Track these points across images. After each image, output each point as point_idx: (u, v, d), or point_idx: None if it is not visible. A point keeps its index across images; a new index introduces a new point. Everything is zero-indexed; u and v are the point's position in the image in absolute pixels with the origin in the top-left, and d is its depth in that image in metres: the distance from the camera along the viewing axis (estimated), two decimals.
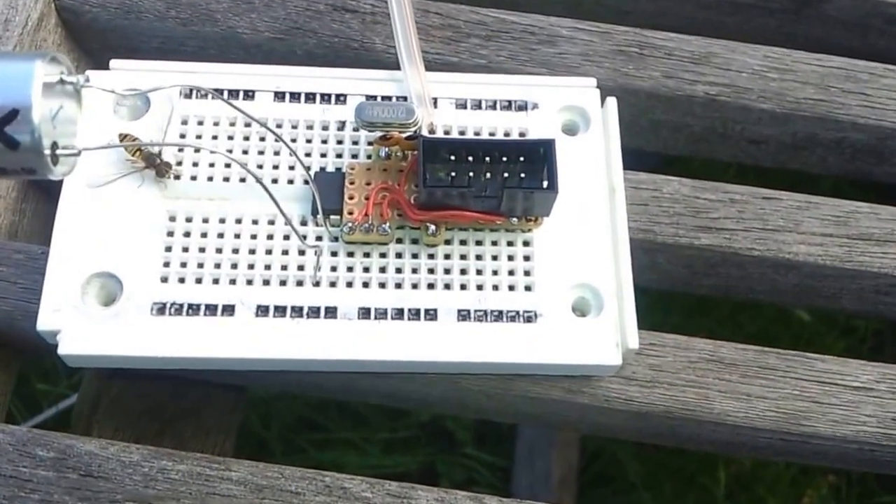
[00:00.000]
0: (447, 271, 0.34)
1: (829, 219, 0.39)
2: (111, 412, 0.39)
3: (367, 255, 0.34)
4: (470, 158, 0.33)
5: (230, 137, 0.35)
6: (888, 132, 0.41)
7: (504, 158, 0.33)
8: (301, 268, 0.34)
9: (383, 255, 0.34)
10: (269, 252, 0.34)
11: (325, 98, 0.36)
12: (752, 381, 0.36)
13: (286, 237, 0.34)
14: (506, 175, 0.33)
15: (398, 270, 0.34)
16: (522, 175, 0.33)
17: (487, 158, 0.33)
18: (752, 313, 0.71)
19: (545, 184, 0.33)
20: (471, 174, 0.33)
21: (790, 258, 0.38)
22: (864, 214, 0.39)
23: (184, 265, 0.33)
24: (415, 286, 0.34)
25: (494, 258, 0.34)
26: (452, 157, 0.33)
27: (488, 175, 0.33)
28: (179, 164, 0.35)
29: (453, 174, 0.33)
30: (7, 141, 0.24)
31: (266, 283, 0.33)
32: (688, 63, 0.41)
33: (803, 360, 0.37)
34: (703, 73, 0.41)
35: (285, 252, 0.34)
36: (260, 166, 0.35)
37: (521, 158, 0.33)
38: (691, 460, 0.70)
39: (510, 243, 0.35)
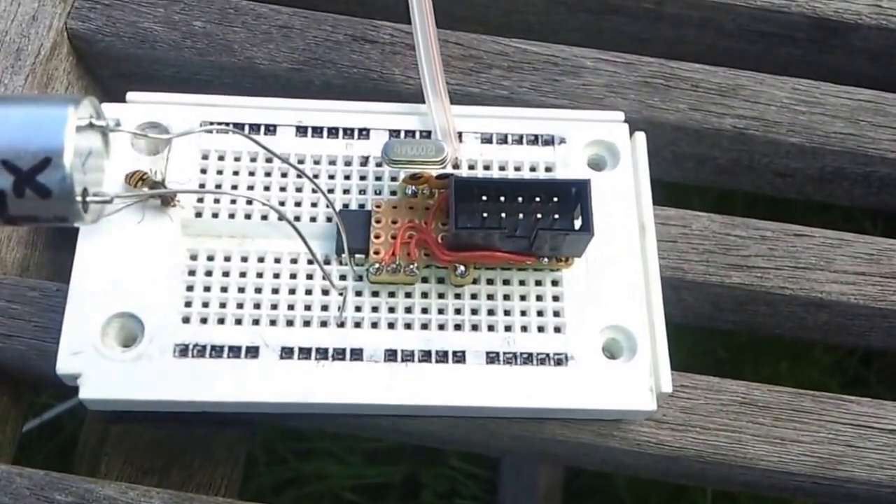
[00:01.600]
0: (475, 312, 0.34)
1: (861, 257, 0.38)
2: (119, 446, 0.39)
3: (392, 294, 0.34)
4: (502, 198, 0.33)
5: (251, 174, 0.35)
6: None
7: (536, 199, 0.33)
8: (325, 308, 0.33)
9: (409, 296, 0.34)
10: (292, 292, 0.33)
11: (348, 133, 0.36)
12: (785, 425, 0.36)
13: (309, 276, 0.33)
14: (538, 216, 0.33)
15: (424, 311, 0.33)
16: (556, 216, 0.33)
17: (520, 199, 0.33)
18: None
19: (578, 225, 0.33)
20: (502, 215, 0.33)
21: (822, 297, 0.38)
22: None
23: (206, 305, 0.33)
24: (441, 327, 0.33)
25: (523, 298, 0.34)
26: (484, 198, 0.33)
27: (520, 216, 0.33)
28: (200, 200, 0.34)
29: (485, 215, 0.32)
30: (39, 189, 0.23)
31: (290, 323, 0.33)
32: (715, 95, 0.40)
33: (838, 403, 0.36)
34: (732, 105, 0.40)
35: (309, 292, 0.33)
36: (282, 203, 0.35)
37: (555, 199, 0.33)
38: None
39: (539, 283, 0.34)
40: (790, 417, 0.36)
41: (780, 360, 0.71)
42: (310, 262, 0.33)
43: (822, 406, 0.36)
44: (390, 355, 0.33)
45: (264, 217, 0.34)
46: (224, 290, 0.33)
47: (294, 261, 0.34)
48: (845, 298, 0.38)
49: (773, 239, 0.38)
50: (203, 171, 0.35)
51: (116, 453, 0.39)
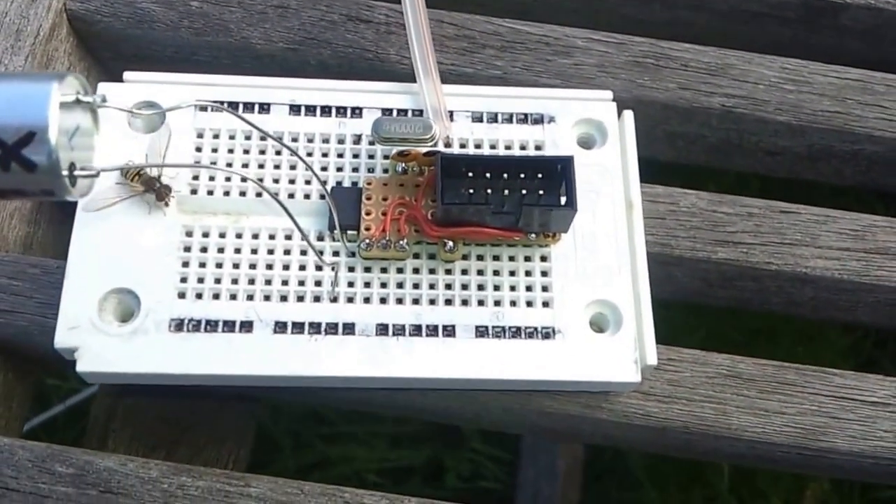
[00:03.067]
0: (465, 287, 0.34)
1: (846, 233, 0.39)
2: (127, 422, 0.39)
3: (384, 270, 0.34)
4: (488, 175, 0.33)
5: (246, 151, 0.35)
6: None
7: (522, 175, 0.33)
8: (318, 283, 0.33)
9: (400, 271, 0.34)
10: (286, 267, 0.34)
11: (341, 111, 0.36)
12: (769, 397, 0.36)
13: (303, 252, 0.34)
14: (524, 192, 0.33)
15: (415, 286, 0.34)
16: (541, 192, 0.33)
17: (505, 175, 0.33)
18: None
19: (563, 201, 0.33)
20: (489, 191, 0.33)
21: (807, 272, 0.38)
22: (882, 228, 0.39)
23: (201, 280, 0.33)
24: (432, 302, 0.34)
25: (512, 274, 0.34)
26: (470, 174, 0.33)
27: (506, 192, 0.33)
28: (196, 178, 0.34)
29: (471, 191, 0.33)
30: (24, 163, 0.24)
31: (283, 298, 0.33)
32: (704, 74, 0.40)
33: (821, 376, 0.37)
34: (720, 84, 0.40)
35: (302, 267, 0.34)
36: (276, 181, 0.35)
37: (540, 175, 0.33)
38: None
39: (527, 259, 0.34)
40: (774, 389, 0.36)
41: (797, 344, 0.71)
42: (302, 238, 0.34)
43: (805, 378, 0.36)
44: (382, 329, 0.33)
45: (259, 194, 0.34)
46: (219, 266, 0.33)
47: (288, 237, 0.34)
48: (829, 273, 0.38)
49: (760, 216, 0.38)
50: (198, 150, 0.35)
51: (124, 429, 0.39)
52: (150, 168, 0.34)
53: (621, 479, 0.69)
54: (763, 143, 0.42)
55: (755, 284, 0.39)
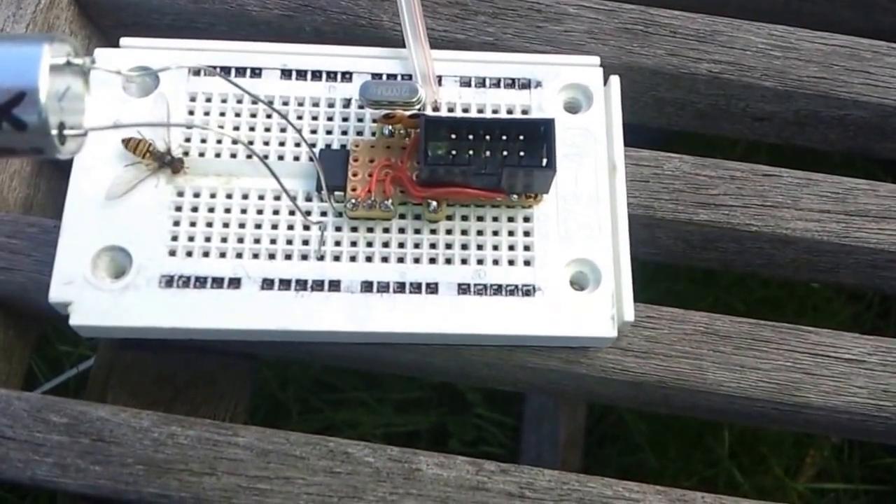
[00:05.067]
0: (448, 246, 0.35)
1: (827, 195, 0.39)
2: (125, 379, 0.40)
3: (370, 230, 0.35)
4: (470, 136, 0.34)
5: (237, 114, 0.36)
6: (890, 110, 0.42)
7: (504, 137, 0.34)
8: (306, 242, 0.35)
9: (386, 231, 0.35)
10: (274, 227, 0.35)
11: (331, 76, 0.37)
12: (745, 353, 0.37)
13: (291, 212, 0.35)
14: (505, 153, 0.34)
15: (400, 245, 0.35)
16: (522, 153, 0.34)
17: (487, 136, 0.34)
18: (762, 280, 0.72)
19: (544, 162, 0.34)
20: (471, 152, 0.34)
21: (787, 234, 0.39)
22: (863, 191, 0.40)
23: (191, 239, 0.34)
24: (416, 260, 0.35)
25: (495, 233, 0.35)
26: (453, 136, 0.34)
27: (488, 153, 0.34)
28: (188, 140, 0.36)
29: (454, 152, 0.34)
30: (15, 122, 0.25)
31: (271, 256, 0.34)
32: (692, 41, 0.41)
33: (797, 333, 0.38)
34: (708, 50, 0.41)
35: (290, 227, 0.35)
36: (266, 143, 0.36)
37: (521, 137, 0.34)
38: (696, 421, 0.71)
39: (510, 219, 0.36)
40: (750, 346, 0.37)
41: (800, 315, 0.72)
42: (295, 199, 0.35)
43: (781, 336, 0.37)
44: (367, 287, 0.34)
45: (249, 156, 0.36)
46: (209, 225, 0.35)
47: (276, 198, 0.35)
48: (810, 235, 0.39)
49: (742, 179, 0.39)
50: (191, 113, 0.36)
51: (122, 386, 0.41)
52: (154, 141, 0.35)
53: (622, 445, 0.70)
54: (750, 109, 0.42)
55: (736, 245, 0.40)
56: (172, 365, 0.41)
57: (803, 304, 0.72)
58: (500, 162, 0.34)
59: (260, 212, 0.35)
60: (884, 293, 0.43)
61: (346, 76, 0.37)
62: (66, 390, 0.66)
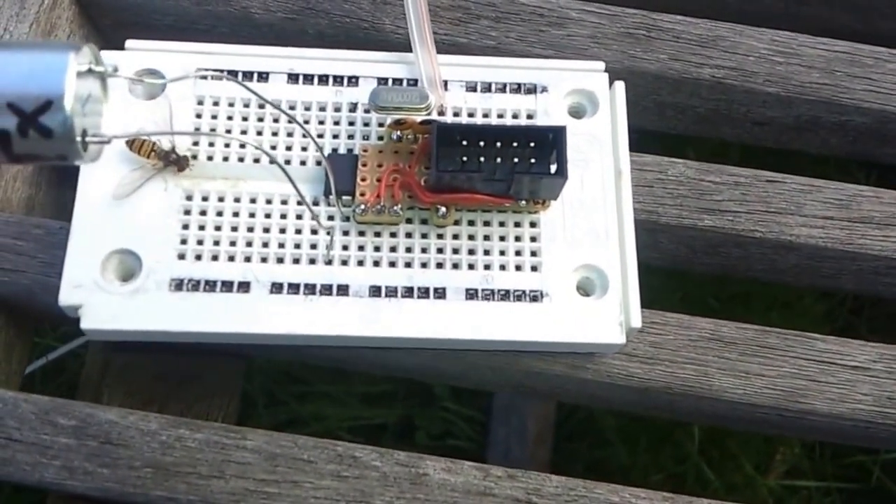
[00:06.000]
0: (456, 251, 0.36)
1: (831, 202, 0.41)
2: (121, 377, 0.41)
3: (377, 234, 0.36)
4: (481, 143, 0.35)
5: (244, 119, 0.37)
6: (892, 116, 0.43)
7: (514, 144, 0.35)
8: (314, 246, 0.36)
9: (394, 235, 0.36)
10: (282, 231, 0.36)
11: (338, 80, 0.38)
12: (751, 360, 0.38)
13: (299, 216, 0.36)
14: (516, 160, 0.35)
15: (408, 250, 0.36)
16: (532, 160, 0.35)
17: (498, 143, 0.35)
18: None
19: (554, 169, 0.35)
20: (482, 158, 0.35)
21: (791, 240, 0.40)
22: (867, 198, 0.41)
23: (200, 243, 0.35)
24: (424, 265, 0.36)
25: (502, 239, 0.36)
26: (464, 142, 0.35)
27: (499, 160, 0.35)
28: (196, 144, 0.37)
29: (465, 158, 0.35)
30: (41, 130, 0.26)
31: (280, 260, 0.35)
32: (695, 46, 0.43)
33: (803, 340, 0.39)
34: (710, 56, 0.42)
35: (298, 231, 0.36)
36: (273, 147, 0.37)
37: (532, 144, 0.35)
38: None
39: (517, 224, 0.37)
40: (755, 353, 0.38)
41: (771, 309, 0.74)
42: (299, 203, 0.36)
43: (787, 343, 0.39)
44: (375, 291, 0.35)
45: (256, 160, 0.37)
46: (217, 228, 0.36)
47: (284, 202, 0.36)
48: (813, 241, 0.40)
49: (746, 185, 0.41)
50: (198, 116, 0.37)
51: (117, 385, 0.41)
52: (159, 140, 0.36)
53: (592, 440, 0.72)
54: (751, 114, 0.44)
55: (740, 251, 0.41)
56: (166, 364, 0.42)
57: (774, 301, 0.74)
58: (510, 169, 0.35)
59: (268, 216, 0.36)
60: (884, 299, 0.44)
61: (353, 80, 0.39)
62: (33, 379, 0.66)
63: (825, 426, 0.39)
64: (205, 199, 0.36)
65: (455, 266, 0.36)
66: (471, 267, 0.36)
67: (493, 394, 0.70)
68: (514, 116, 0.38)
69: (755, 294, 0.73)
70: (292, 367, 0.73)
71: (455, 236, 0.36)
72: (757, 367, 0.38)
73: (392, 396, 0.74)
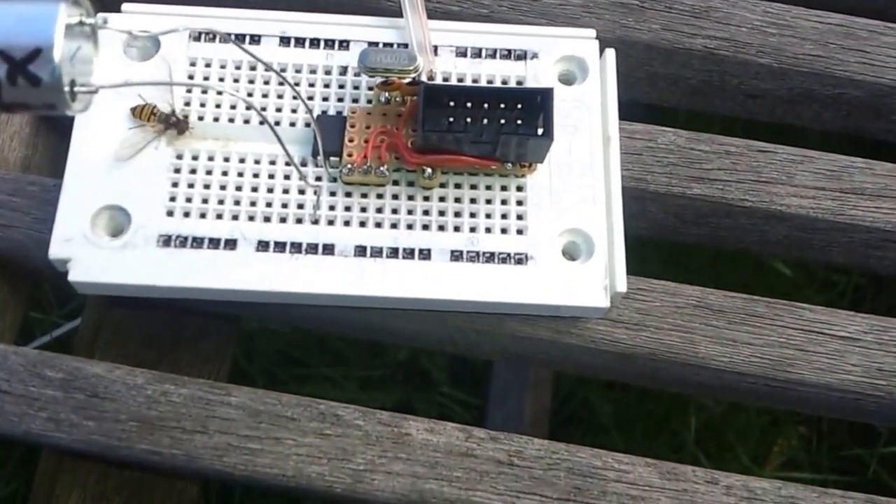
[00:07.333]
0: (442, 213, 0.38)
1: (822, 172, 0.42)
2: (112, 339, 0.43)
3: (364, 195, 0.38)
4: (468, 104, 0.36)
5: (236, 80, 0.39)
6: (886, 90, 0.44)
7: (502, 105, 0.36)
8: (301, 206, 0.37)
9: (380, 196, 0.38)
10: (270, 190, 0.37)
11: (329, 44, 0.40)
12: (738, 328, 0.39)
13: (287, 177, 0.38)
14: (502, 122, 0.37)
15: (394, 211, 0.38)
16: (519, 122, 0.37)
17: (485, 105, 0.36)
18: (731, 265, 0.75)
19: (540, 131, 0.36)
20: (468, 120, 0.36)
21: (782, 210, 0.41)
22: (859, 169, 0.42)
23: (189, 200, 0.37)
24: (410, 227, 0.37)
25: (488, 202, 0.38)
26: (451, 103, 0.36)
27: (485, 121, 0.37)
28: (187, 104, 0.38)
29: (451, 119, 0.36)
30: (30, 78, 0.28)
31: (267, 219, 0.37)
32: (688, 16, 0.44)
33: (791, 310, 0.40)
34: (703, 26, 0.44)
35: (286, 191, 0.37)
36: (264, 108, 0.39)
37: (519, 106, 0.37)
38: (662, 404, 0.74)
39: (504, 188, 0.38)
40: (743, 321, 0.40)
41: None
42: (287, 163, 0.38)
43: (775, 311, 0.40)
44: (360, 251, 0.37)
45: (247, 121, 0.38)
46: (206, 187, 0.37)
47: (273, 162, 0.38)
48: (804, 211, 0.41)
49: (737, 154, 0.42)
50: (191, 77, 0.39)
51: (108, 349, 0.43)
52: (158, 104, 0.38)
53: (588, 426, 0.73)
54: (744, 86, 0.45)
55: (730, 221, 0.42)
56: (158, 327, 0.43)
57: (772, 291, 0.75)
58: (497, 130, 0.36)
59: (256, 175, 0.38)
60: (876, 273, 0.45)
61: (344, 44, 0.40)
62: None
63: (813, 397, 0.40)
64: (195, 158, 0.38)
65: (441, 228, 0.37)
66: (456, 229, 0.38)
67: (490, 379, 0.72)
68: (504, 82, 0.40)
69: (753, 286, 0.74)
70: (292, 348, 0.75)
71: (441, 198, 0.38)
72: (744, 335, 0.39)
73: (391, 380, 0.75)
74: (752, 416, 0.74)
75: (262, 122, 0.38)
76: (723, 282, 0.72)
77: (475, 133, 0.37)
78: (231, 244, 0.36)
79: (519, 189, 0.38)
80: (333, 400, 0.37)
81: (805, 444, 0.74)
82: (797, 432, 0.74)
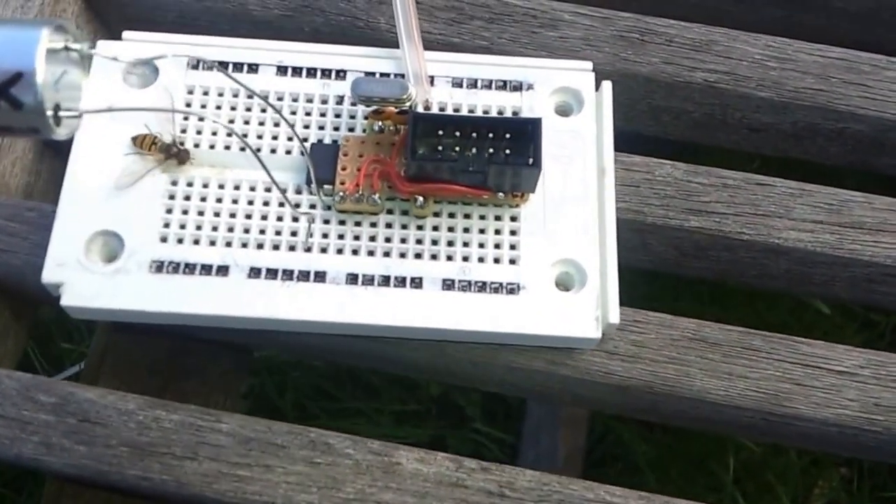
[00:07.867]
0: (434, 242, 0.38)
1: (821, 206, 0.42)
2: (117, 367, 0.44)
3: (358, 224, 0.38)
4: (457, 134, 0.37)
5: (233, 108, 0.40)
6: (889, 124, 0.44)
7: (490, 135, 0.37)
8: (294, 233, 0.38)
9: (373, 225, 0.38)
10: (264, 218, 0.38)
11: (326, 73, 0.41)
12: (734, 361, 0.39)
13: (281, 204, 0.38)
14: (491, 151, 0.37)
15: (387, 240, 0.38)
16: (508, 151, 0.37)
17: (474, 134, 0.37)
18: (769, 303, 0.75)
19: (530, 161, 0.37)
20: (457, 149, 0.37)
21: (779, 243, 0.41)
22: (858, 203, 0.42)
23: (183, 227, 0.37)
24: (402, 255, 0.38)
25: (481, 231, 0.38)
26: (440, 132, 0.37)
27: (474, 150, 0.37)
28: (183, 132, 0.39)
29: (440, 148, 0.37)
30: (12, 101, 0.28)
31: (260, 246, 0.37)
32: (688, 50, 0.44)
33: (788, 343, 0.40)
34: (703, 59, 0.44)
35: (279, 218, 0.38)
36: (260, 136, 0.39)
37: (508, 135, 0.37)
38: (700, 445, 0.73)
39: (497, 218, 0.38)
40: (739, 354, 0.40)
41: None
42: (283, 190, 0.38)
43: (771, 345, 0.40)
44: (352, 279, 0.37)
45: (242, 149, 0.39)
46: (200, 213, 0.38)
47: (268, 190, 0.38)
48: (802, 245, 0.41)
49: (735, 187, 0.42)
50: (188, 105, 0.40)
51: (113, 374, 0.44)
52: (160, 134, 0.38)
53: (622, 466, 0.73)
54: (747, 120, 0.45)
55: (729, 254, 0.42)
56: (163, 355, 0.44)
57: (812, 330, 0.74)
58: (486, 159, 0.37)
59: (251, 202, 0.38)
60: (883, 309, 0.45)
61: (341, 74, 0.41)
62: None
63: (812, 432, 0.40)
64: (189, 184, 0.38)
65: (433, 257, 0.38)
66: (449, 258, 0.38)
67: (524, 416, 0.72)
68: (500, 113, 0.40)
69: (793, 323, 0.74)
70: (325, 382, 0.75)
71: (435, 227, 0.38)
72: (740, 368, 0.39)
73: (424, 417, 0.75)
74: (792, 457, 0.74)
75: (242, 149, 0.39)
76: (762, 320, 0.72)
77: (465, 162, 0.37)
78: (223, 270, 0.37)
79: (512, 219, 0.39)
80: (367, 436, 0.38)
81: (846, 485, 0.73)
82: (838, 473, 0.73)
